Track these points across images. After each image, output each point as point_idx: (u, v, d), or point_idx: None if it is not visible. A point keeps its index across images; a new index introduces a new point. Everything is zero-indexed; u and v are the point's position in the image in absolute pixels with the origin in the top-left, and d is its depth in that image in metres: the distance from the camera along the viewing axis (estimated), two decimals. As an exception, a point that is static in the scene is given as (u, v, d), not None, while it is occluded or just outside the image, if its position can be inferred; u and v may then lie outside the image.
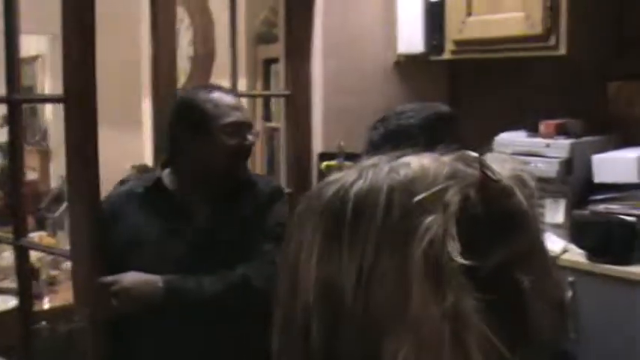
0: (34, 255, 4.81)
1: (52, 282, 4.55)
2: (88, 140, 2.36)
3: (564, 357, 2.54)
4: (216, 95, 2.36)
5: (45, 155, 8.33)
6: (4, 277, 4.60)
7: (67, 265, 3.72)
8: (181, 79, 5.11)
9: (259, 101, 4.53)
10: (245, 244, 2.33)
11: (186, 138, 2.35)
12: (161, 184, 2.39)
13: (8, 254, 4.99)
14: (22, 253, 2.72)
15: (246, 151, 2.40)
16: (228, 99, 2.38)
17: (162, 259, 2.30)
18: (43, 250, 3.90)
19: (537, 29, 3.03)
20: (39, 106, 9.03)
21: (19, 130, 2.74)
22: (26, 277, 2.80)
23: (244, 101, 3.76)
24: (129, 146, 4.79)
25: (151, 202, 2.39)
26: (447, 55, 3.52)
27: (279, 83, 3.94)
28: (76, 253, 2.43)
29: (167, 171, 2.43)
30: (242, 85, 4.23)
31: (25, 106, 9.60)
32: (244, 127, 2.38)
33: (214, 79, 5.01)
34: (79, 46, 2.34)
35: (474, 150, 0.83)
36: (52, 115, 7.63)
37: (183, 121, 2.37)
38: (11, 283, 4.48)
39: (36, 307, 4.22)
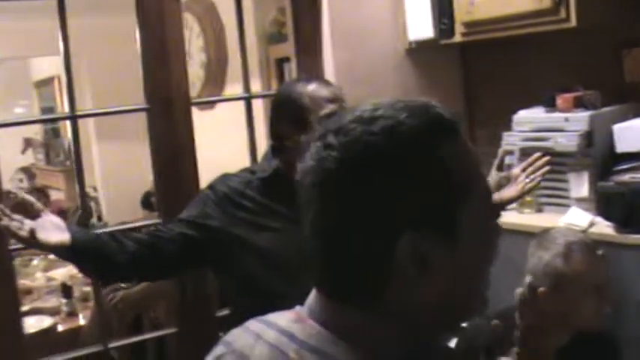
0: (66, 273, 4.88)
1: (85, 298, 4.60)
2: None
3: (604, 338, 2.52)
4: (312, 88, 2.35)
5: (69, 174, 8.41)
6: (37, 297, 4.66)
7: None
8: (197, 86, 5.15)
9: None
10: None
11: (287, 132, 2.35)
12: (280, 173, 2.38)
13: (40, 275, 5.06)
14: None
15: None
16: (324, 91, 2.35)
17: (285, 246, 2.30)
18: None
19: (546, 3, 2.99)
20: (62, 127, 9.13)
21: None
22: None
23: (257, 102, 3.77)
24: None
25: (270, 190, 2.39)
26: (457, 38, 3.49)
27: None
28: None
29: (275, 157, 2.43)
30: (256, 85, 4.24)
31: (47, 126, 9.74)
32: None
33: (229, 83, 5.04)
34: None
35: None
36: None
37: (283, 116, 2.38)
38: (44, 303, 4.54)
39: (71, 325, 4.28)
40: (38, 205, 2.28)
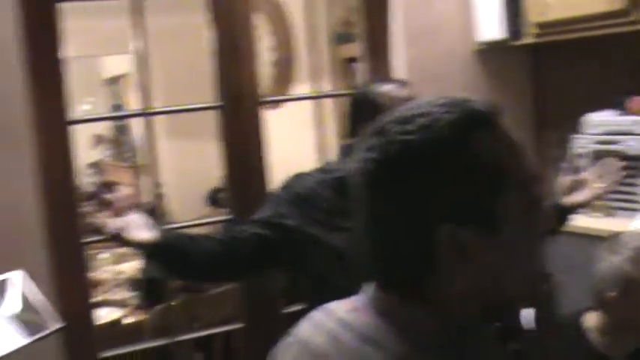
0: (134, 266, 4.96)
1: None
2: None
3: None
4: (389, 88, 2.38)
5: (136, 171, 8.55)
6: (106, 290, 4.74)
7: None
8: (265, 85, 5.20)
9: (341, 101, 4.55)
10: None
11: (358, 131, 2.36)
12: None
13: (109, 268, 5.16)
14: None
15: None
16: (401, 92, 2.37)
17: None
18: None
19: (618, 5, 2.96)
20: (130, 124, 9.29)
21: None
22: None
23: (325, 102, 3.79)
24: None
25: (345, 190, 2.38)
26: (528, 39, 3.47)
27: (361, 82, 3.96)
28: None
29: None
30: (324, 85, 4.26)
31: (116, 123, 9.92)
32: None
33: (297, 81, 5.07)
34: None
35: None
36: (140, 133, 7.85)
37: (359, 116, 2.41)
38: (113, 296, 4.62)
39: (139, 317, 4.34)
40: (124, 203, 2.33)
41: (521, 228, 1.00)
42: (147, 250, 2.30)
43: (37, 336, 2.42)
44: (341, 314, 1.09)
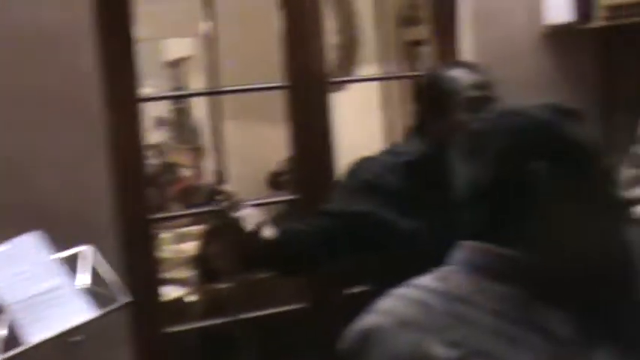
0: (195, 246, 5.02)
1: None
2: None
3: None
4: (458, 73, 2.35)
5: (199, 153, 8.63)
6: (170, 268, 4.81)
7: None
8: (331, 67, 5.19)
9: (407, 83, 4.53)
10: None
11: (430, 116, 2.38)
12: (427, 155, 2.38)
13: (171, 247, 5.24)
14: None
15: None
16: (469, 77, 2.34)
17: (429, 230, 2.31)
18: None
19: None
20: (190, 106, 9.37)
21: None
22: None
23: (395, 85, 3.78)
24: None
25: (415, 173, 2.39)
26: (597, 22, 3.41)
27: (427, 65, 3.95)
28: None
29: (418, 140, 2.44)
30: (388, 68, 4.25)
31: (177, 106, 10.02)
32: (482, 104, 2.28)
33: (360, 64, 5.06)
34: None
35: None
36: (203, 115, 7.91)
37: (426, 99, 2.41)
38: (177, 274, 4.70)
39: (202, 296, 4.40)
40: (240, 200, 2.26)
41: (598, 204, 1.09)
42: (270, 247, 2.23)
43: (107, 309, 2.47)
44: (426, 283, 1.12)
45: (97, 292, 2.47)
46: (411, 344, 1.05)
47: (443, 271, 1.13)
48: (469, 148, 1.14)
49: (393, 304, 1.12)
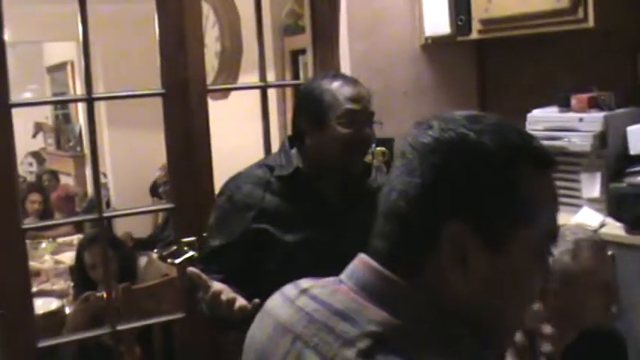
0: (74, 256, 4.89)
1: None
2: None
3: (611, 336, 2.53)
4: (336, 85, 2.33)
5: (79, 160, 8.45)
6: (46, 279, 4.68)
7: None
8: (210, 76, 5.16)
9: (288, 93, 4.54)
10: None
11: (306, 128, 2.37)
12: (300, 172, 2.37)
13: (49, 257, 5.09)
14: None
15: (358, 142, 2.33)
16: (347, 90, 2.32)
17: (308, 243, 2.31)
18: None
19: (564, 3, 2.99)
20: (73, 112, 9.16)
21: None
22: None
23: (271, 93, 3.76)
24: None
25: (289, 190, 2.38)
26: (474, 35, 3.49)
27: (307, 74, 3.96)
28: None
29: (294, 152, 2.42)
30: (270, 77, 4.24)
31: (58, 111, 9.76)
32: (361, 117, 2.32)
33: (242, 75, 5.05)
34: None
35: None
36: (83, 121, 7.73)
37: (303, 111, 2.39)
38: (52, 286, 4.56)
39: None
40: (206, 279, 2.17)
41: (523, 267, 1.02)
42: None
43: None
44: (313, 291, 1.11)
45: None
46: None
47: (334, 282, 1.10)
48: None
49: (279, 306, 1.14)
